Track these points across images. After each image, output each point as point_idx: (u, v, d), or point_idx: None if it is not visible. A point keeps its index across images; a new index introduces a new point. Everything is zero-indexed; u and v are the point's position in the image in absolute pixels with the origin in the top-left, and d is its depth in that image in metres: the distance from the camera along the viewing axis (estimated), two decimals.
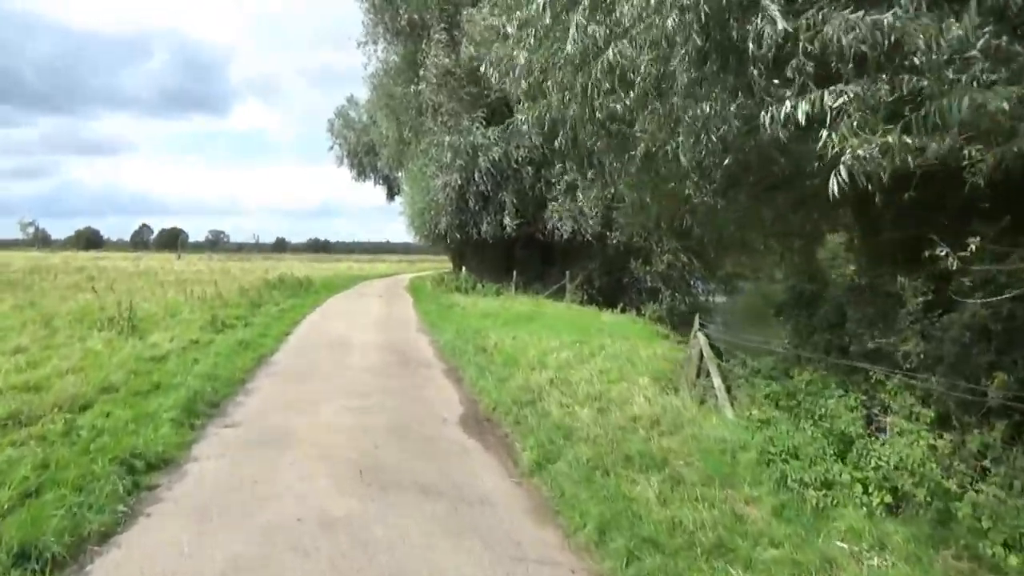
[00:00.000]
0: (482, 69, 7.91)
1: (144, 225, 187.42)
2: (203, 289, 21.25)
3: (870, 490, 5.08)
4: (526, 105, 8.02)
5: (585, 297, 25.56)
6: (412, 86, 27.72)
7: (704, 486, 5.75)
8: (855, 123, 3.89)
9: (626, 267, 26.72)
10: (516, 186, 25.49)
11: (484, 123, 25.35)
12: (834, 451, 5.71)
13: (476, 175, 25.11)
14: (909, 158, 3.88)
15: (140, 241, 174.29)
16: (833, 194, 3.99)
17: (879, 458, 5.21)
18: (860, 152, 3.82)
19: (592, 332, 15.58)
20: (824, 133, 4.04)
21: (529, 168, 25.14)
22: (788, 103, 4.24)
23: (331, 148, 43.96)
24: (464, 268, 29.80)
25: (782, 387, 7.00)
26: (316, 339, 14.38)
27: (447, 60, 25.94)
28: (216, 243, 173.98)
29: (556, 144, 7.41)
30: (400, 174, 38.92)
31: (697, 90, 5.17)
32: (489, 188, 25.24)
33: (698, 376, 8.48)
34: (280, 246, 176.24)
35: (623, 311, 22.25)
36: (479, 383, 10.00)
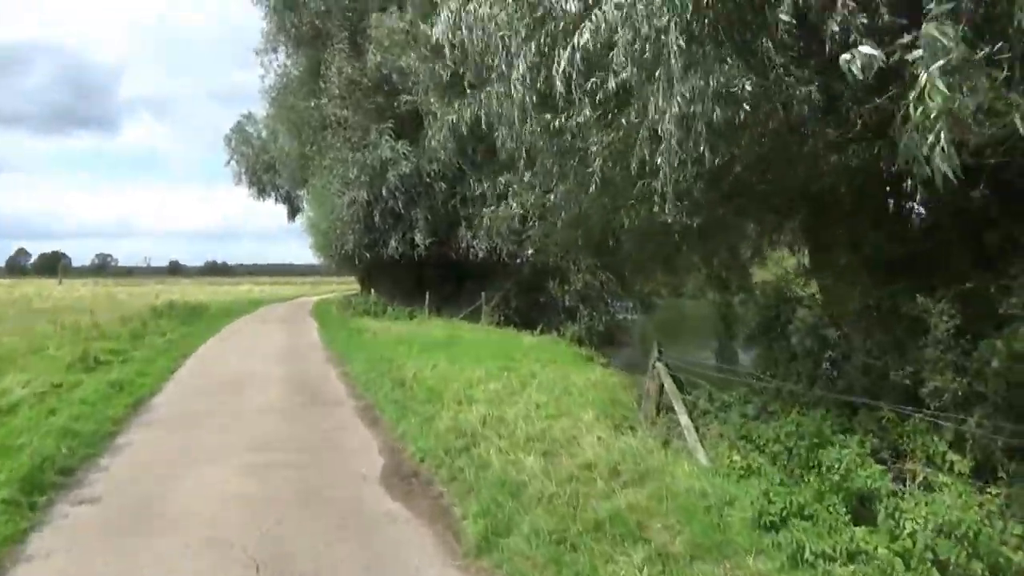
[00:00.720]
0: (434, 31, 6.59)
1: (21, 249, 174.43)
2: (77, 319, 18.86)
3: (912, 564, 4.07)
4: (456, 105, 6.89)
5: (502, 318, 24.50)
6: (314, 99, 26.13)
7: (698, 560, 4.62)
8: (945, 77, 2.85)
9: (543, 287, 25.88)
10: (428, 203, 24.22)
11: (393, 136, 23.96)
12: (848, 509, 4.72)
13: (384, 191, 23.65)
14: (1019, 122, 2.91)
15: (16, 266, 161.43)
16: (948, 176, 2.95)
17: (914, 520, 4.21)
18: (960, 110, 2.79)
19: (516, 357, 14.42)
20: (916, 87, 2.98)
21: (442, 183, 23.92)
22: (864, 47, 3.22)
23: (227, 164, 41.37)
24: (373, 290, 28.18)
25: (768, 428, 5.98)
26: (208, 376, 12.62)
27: (350, 69, 24.50)
28: (103, 267, 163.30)
29: (498, 142, 6.22)
30: (302, 192, 36.98)
31: (688, 74, 4.10)
32: (399, 205, 23.82)
33: (658, 412, 7.43)
34: (175, 269, 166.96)
35: (542, 332, 21.29)
36: (400, 425, 8.64)
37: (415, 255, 24.48)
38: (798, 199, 6.07)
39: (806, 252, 10.75)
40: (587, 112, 4.80)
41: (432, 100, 8.30)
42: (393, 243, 24.36)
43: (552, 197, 7.60)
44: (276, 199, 41.83)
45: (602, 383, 11.84)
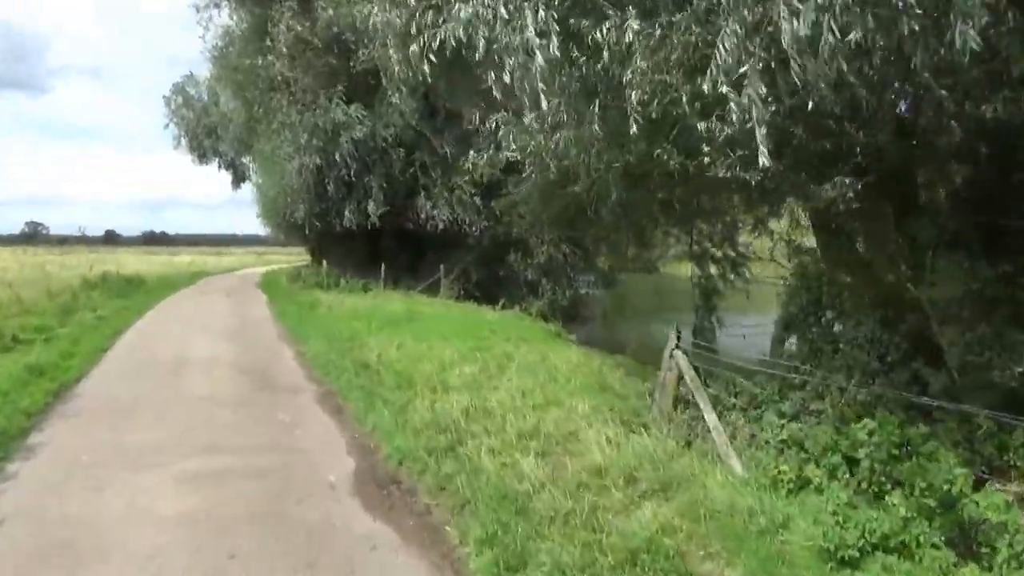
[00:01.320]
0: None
1: None
2: None
3: None
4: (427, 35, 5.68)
5: (461, 292, 23.47)
6: (261, 58, 24.27)
7: None
8: None
9: (503, 259, 24.89)
10: (384, 170, 22.84)
11: (345, 99, 22.39)
12: (943, 538, 3.85)
13: (337, 157, 22.08)
14: None
15: None
16: None
17: None
18: None
19: (485, 335, 13.46)
20: None
21: (400, 150, 22.58)
22: None
23: (166, 127, 38.90)
24: (325, 262, 26.65)
25: (822, 432, 5.04)
26: (144, 356, 11.24)
27: (300, 27, 22.79)
28: (34, 236, 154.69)
29: (505, 77, 5.01)
30: (247, 159, 35.07)
31: None
32: (353, 172, 22.33)
33: (675, 407, 6.48)
34: (111, 239, 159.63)
35: (504, 307, 20.39)
36: (369, 417, 7.56)
37: (369, 225, 23.12)
38: (870, 162, 5.10)
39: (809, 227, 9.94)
40: (634, 26, 3.70)
41: (392, 51, 7.09)
42: (348, 213, 22.92)
43: (552, 146, 6.42)
44: (219, 165, 39.68)
45: (585, 365, 10.97)
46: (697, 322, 14.93)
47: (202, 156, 39.10)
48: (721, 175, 5.07)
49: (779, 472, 4.87)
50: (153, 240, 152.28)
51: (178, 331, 14.20)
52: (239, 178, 39.24)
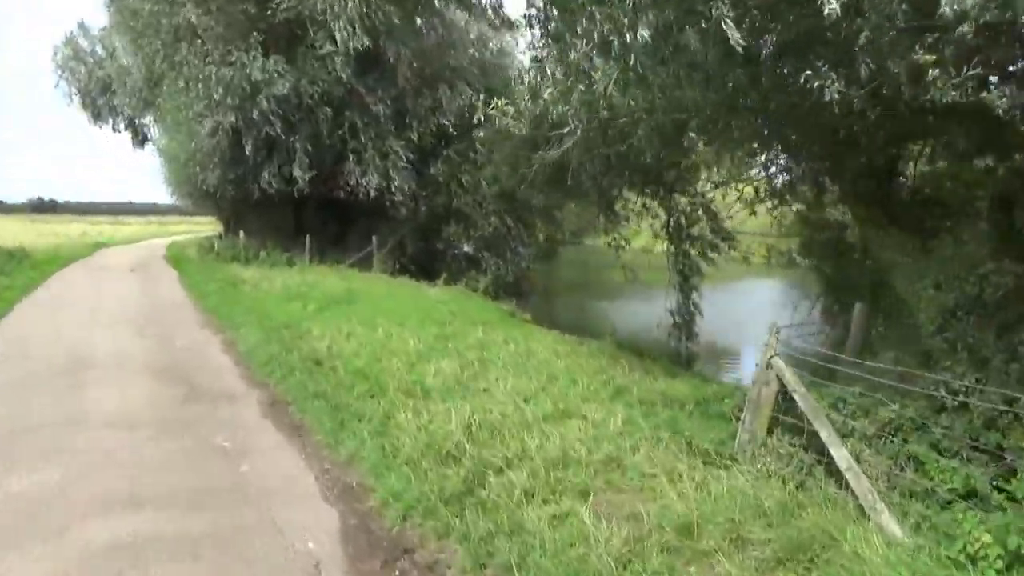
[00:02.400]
0: None
1: None
2: None
3: None
4: None
5: (397, 267, 21.55)
6: (167, 3, 21.27)
7: None
8: None
9: (440, 232, 23.16)
10: (310, 131, 20.62)
11: (262, 50, 19.85)
12: None
13: (256, 115, 19.59)
14: None
15: None
16: None
17: None
18: None
19: (442, 317, 11.83)
20: None
21: (327, 109, 20.33)
22: None
23: (56, 85, 34.84)
24: (242, 232, 24.00)
25: None
26: (25, 355, 8.81)
27: None
28: None
29: None
30: (149, 118, 31.72)
31: None
32: (275, 132, 19.91)
33: (770, 432, 4.94)
34: None
35: (446, 283, 18.74)
36: (342, 440, 5.76)
37: (293, 192, 20.85)
38: None
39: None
40: None
41: None
42: (268, 178, 20.53)
43: (604, 88, 4.69)
44: (114, 126, 35.86)
45: (574, 355, 9.49)
46: (679, 300, 13.69)
47: (96, 115, 35.29)
48: (948, 100, 3.50)
49: (981, 545, 3.40)
50: (41, 208, 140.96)
51: (73, 319, 11.75)
52: (140, 139, 35.62)
